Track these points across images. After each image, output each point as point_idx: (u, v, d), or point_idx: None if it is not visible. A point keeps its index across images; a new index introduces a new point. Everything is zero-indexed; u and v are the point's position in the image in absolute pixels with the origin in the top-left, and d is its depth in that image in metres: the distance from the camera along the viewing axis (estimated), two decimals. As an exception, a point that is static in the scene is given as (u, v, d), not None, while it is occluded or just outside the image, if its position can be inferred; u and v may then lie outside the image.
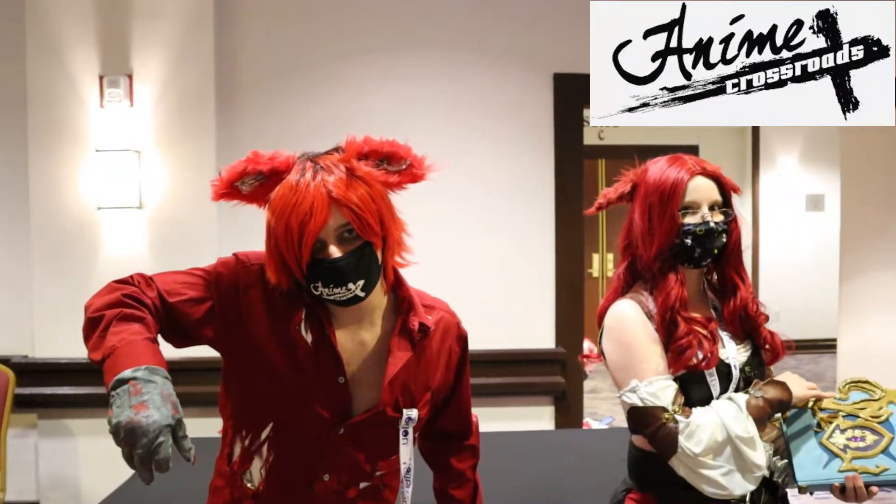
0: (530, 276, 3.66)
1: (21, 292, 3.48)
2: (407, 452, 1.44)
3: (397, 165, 1.36)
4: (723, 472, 1.48)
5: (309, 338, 1.37)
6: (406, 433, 1.44)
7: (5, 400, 3.12)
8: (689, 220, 1.57)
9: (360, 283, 1.31)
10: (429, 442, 1.66)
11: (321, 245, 1.28)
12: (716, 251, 1.59)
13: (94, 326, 1.21)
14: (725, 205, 1.61)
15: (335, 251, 1.27)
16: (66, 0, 3.31)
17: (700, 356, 1.53)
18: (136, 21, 3.34)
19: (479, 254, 3.64)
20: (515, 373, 3.60)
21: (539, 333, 3.66)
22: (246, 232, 3.49)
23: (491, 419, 3.53)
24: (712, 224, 1.56)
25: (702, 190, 1.58)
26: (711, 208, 1.58)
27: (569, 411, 3.65)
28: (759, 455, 1.49)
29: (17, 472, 3.43)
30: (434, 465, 1.67)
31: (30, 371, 3.34)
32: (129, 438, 1.05)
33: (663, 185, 1.58)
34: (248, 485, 1.43)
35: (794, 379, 1.59)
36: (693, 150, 7.88)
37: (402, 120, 3.55)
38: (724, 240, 1.59)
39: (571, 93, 3.56)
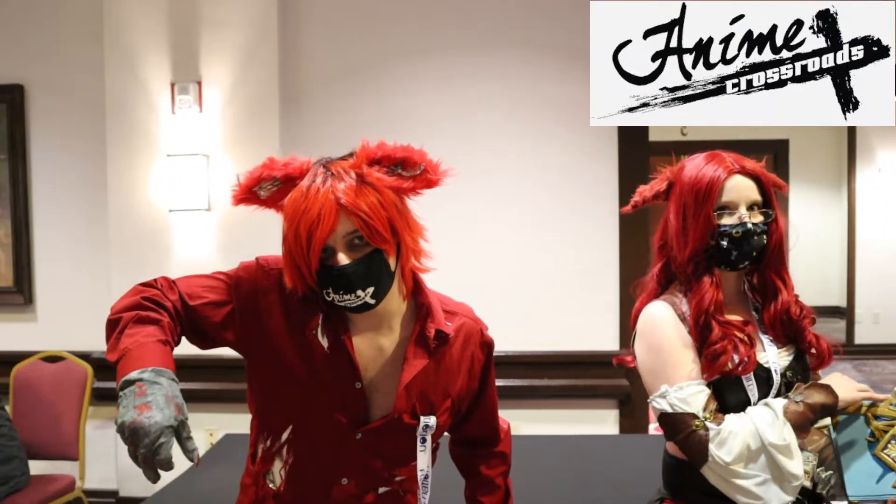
0: (593, 277, 3.58)
1: (101, 291, 3.66)
2: (425, 459, 1.43)
3: (412, 171, 1.34)
4: (757, 481, 1.41)
5: (325, 343, 1.37)
6: (424, 440, 1.43)
7: (84, 394, 3.29)
8: (726, 221, 1.50)
9: (370, 290, 1.30)
10: (458, 448, 1.65)
11: (331, 252, 1.28)
12: (754, 254, 1.52)
13: (112, 328, 1.26)
14: (766, 205, 1.53)
15: (343, 258, 1.27)
16: (140, 12, 3.47)
17: (735, 361, 1.46)
18: (204, 29, 3.46)
19: (539, 254, 3.59)
20: (578, 375, 3.53)
21: (603, 335, 3.58)
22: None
23: (553, 421, 3.49)
24: (749, 225, 1.49)
25: (740, 189, 1.51)
26: (751, 208, 1.51)
27: (634, 415, 3.56)
28: (796, 464, 1.41)
29: (99, 461, 3.62)
30: (464, 472, 1.66)
31: (109, 366, 3.50)
32: (132, 438, 1.09)
33: (698, 183, 1.51)
34: (271, 485, 1.45)
35: (842, 381, 1.50)
36: (783, 145, 7.54)
37: (461, 119, 3.54)
38: (764, 242, 1.52)
39: (636, 89, 3.46)
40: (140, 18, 3.47)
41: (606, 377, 3.53)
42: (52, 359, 3.36)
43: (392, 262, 1.33)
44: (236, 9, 3.46)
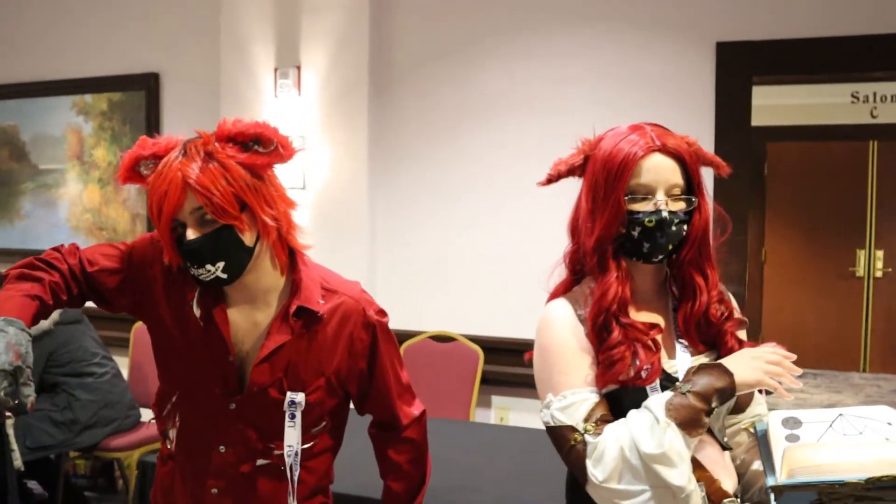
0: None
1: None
2: (294, 435, 1.44)
3: (267, 147, 1.36)
4: (643, 499, 1.20)
5: (199, 314, 1.43)
6: (293, 416, 1.44)
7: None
8: (639, 207, 1.30)
9: (220, 264, 1.33)
10: (370, 430, 1.65)
11: (184, 227, 1.33)
12: (671, 246, 1.32)
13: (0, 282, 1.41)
14: (690, 191, 1.33)
15: (192, 233, 1.32)
16: (251, 1, 3.72)
17: (636, 368, 1.28)
18: (304, 16, 3.64)
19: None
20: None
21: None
22: (396, 210, 3.65)
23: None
24: (665, 214, 1.28)
25: (658, 171, 1.30)
26: (672, 193, 1.31)
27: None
28: (678, 474, 1.18)
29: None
30: (375, 454, 1.65)
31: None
32: None
33: (611, 161, 1.31)
34: (168, 445, 1.53)
35: (746, 358, 1.23)
36: None
37: (548, 99, 3.41)
38: (684, 233, 1.32)
39: (737, 64, 3.12)
40: (251, 7, 3.72)
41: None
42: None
43: (248, 237, 1.35)
44: (333, -5, 3.60)
